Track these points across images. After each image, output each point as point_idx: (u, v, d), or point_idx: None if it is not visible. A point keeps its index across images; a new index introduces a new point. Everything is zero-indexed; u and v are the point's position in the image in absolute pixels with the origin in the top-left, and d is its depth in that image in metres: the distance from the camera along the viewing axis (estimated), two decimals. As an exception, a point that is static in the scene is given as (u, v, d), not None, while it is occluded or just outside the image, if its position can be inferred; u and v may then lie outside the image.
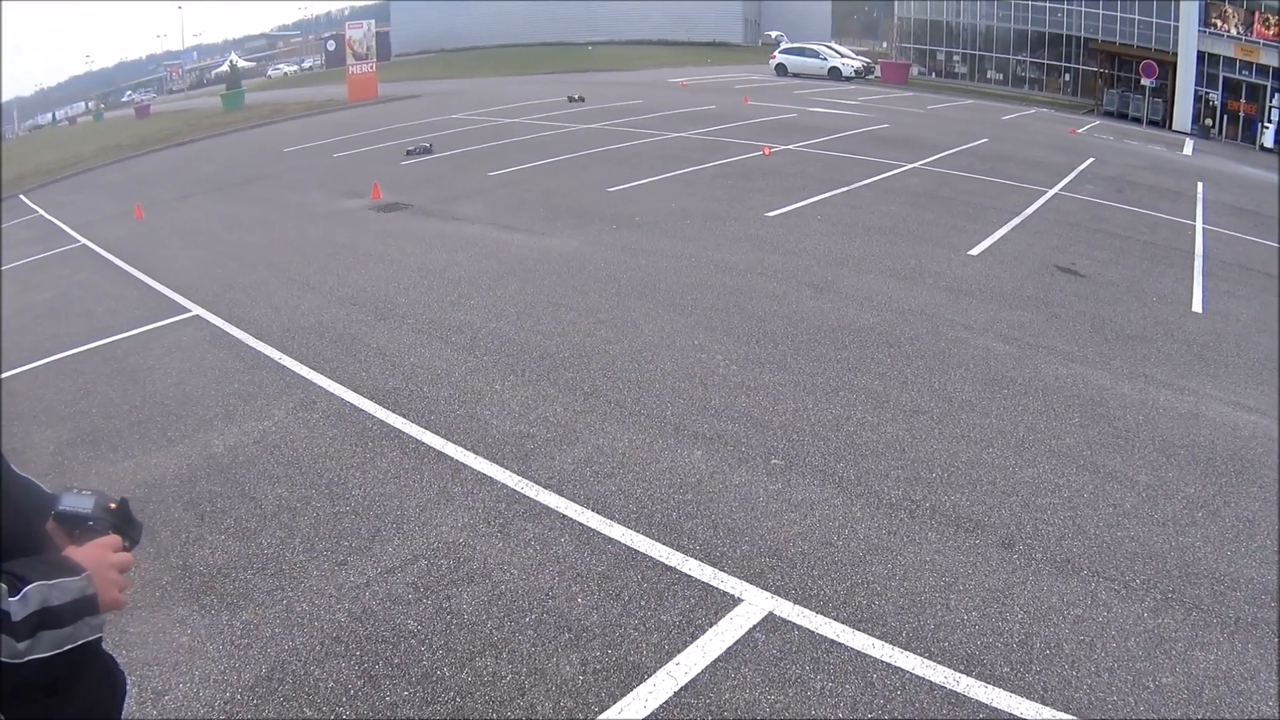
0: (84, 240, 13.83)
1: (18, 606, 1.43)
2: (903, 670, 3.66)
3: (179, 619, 4.19)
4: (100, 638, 1.66)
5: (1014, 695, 3.53)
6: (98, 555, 1.64)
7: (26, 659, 1.44)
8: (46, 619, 1.47)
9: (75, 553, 1.62)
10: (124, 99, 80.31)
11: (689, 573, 4.34)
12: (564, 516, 4.88)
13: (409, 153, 18.90)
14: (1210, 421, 6.34)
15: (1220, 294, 9.97)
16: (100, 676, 1.83)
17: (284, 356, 7.44)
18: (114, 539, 1.70)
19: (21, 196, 21.75)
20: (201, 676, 3.79)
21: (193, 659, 3.91)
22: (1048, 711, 3.45)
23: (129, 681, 1.96)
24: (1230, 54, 32.06)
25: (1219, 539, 4.76)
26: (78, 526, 1.69)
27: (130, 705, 2.05)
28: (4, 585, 1.43)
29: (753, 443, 5.73)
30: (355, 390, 6.68)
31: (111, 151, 29.18)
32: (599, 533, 4.71)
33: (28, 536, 1.63)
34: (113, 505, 1.73)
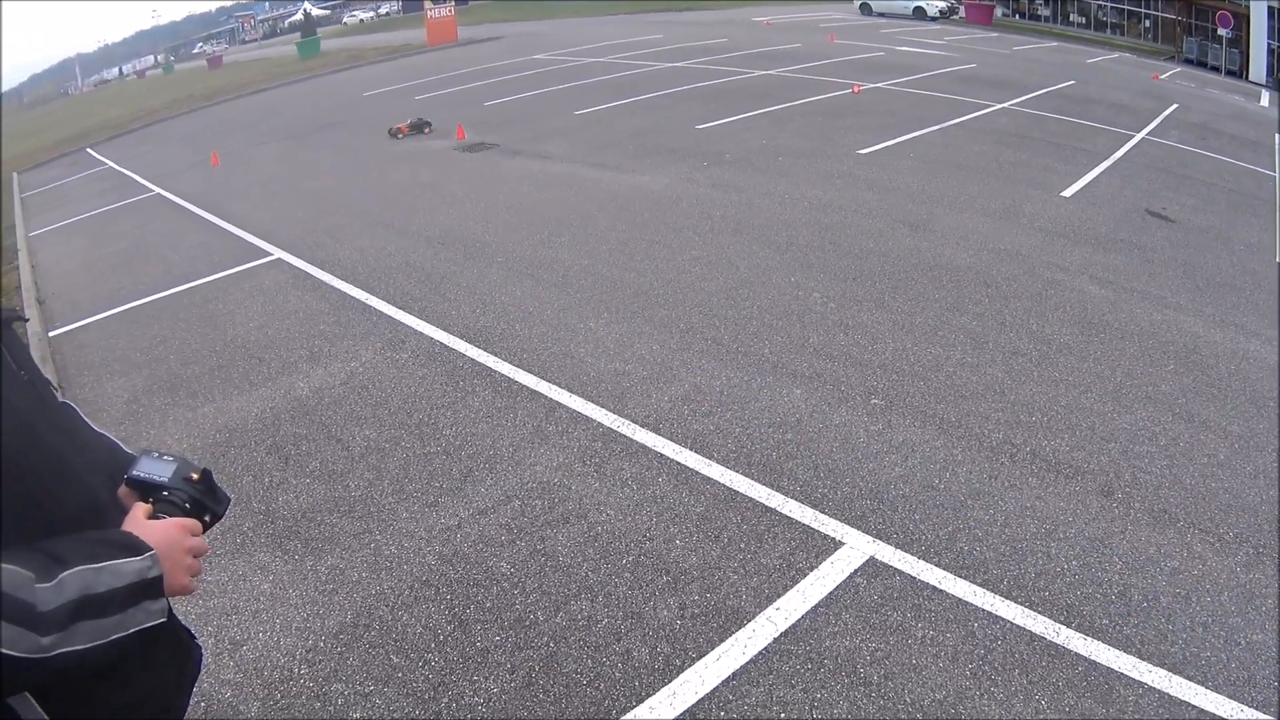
0: (158, 189, 13.99)
1: (50, 594, 1.23)
2: (1003, 619, 3.59)
3: (260, 565, 4.18)
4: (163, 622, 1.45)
5: (1112, 649, 3.44)
6: (171, 535, 1.47)
7: (56, 652, 1.23)
8: (87, 608, 1.28)
9: (145, 529, 1.45)
10: (194, 51, 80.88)
11: (789, 514, 4.28)
12: (661, 456, 4.84)
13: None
14: (1299, 376, 6.12)
15: (1305, 246, 9.61)
16: (164, 657, 1.59)
17: (370, 297, 7.46)
18: (193, 523, 1.54)
19: (88, 149, 22.06)
20: (283, 624, 3.78)
21: (274, 606, 3.90)
22: (1144, 666, 3.35)
23: (204, 649, 1.78)
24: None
25: (1308, 495, 4.59)
26: (152, 495, 1.53)
27: (205, 659, 1.95)
28: (31, 573, 1.22)
29: (852, 382, 5.64)
30: (445, 329, 6.67)
31: (184, 103, 29.41)
32: (697, 472, 4.66)
33: (96, 504, 1.48)
34: (194, 476, 1.57)
